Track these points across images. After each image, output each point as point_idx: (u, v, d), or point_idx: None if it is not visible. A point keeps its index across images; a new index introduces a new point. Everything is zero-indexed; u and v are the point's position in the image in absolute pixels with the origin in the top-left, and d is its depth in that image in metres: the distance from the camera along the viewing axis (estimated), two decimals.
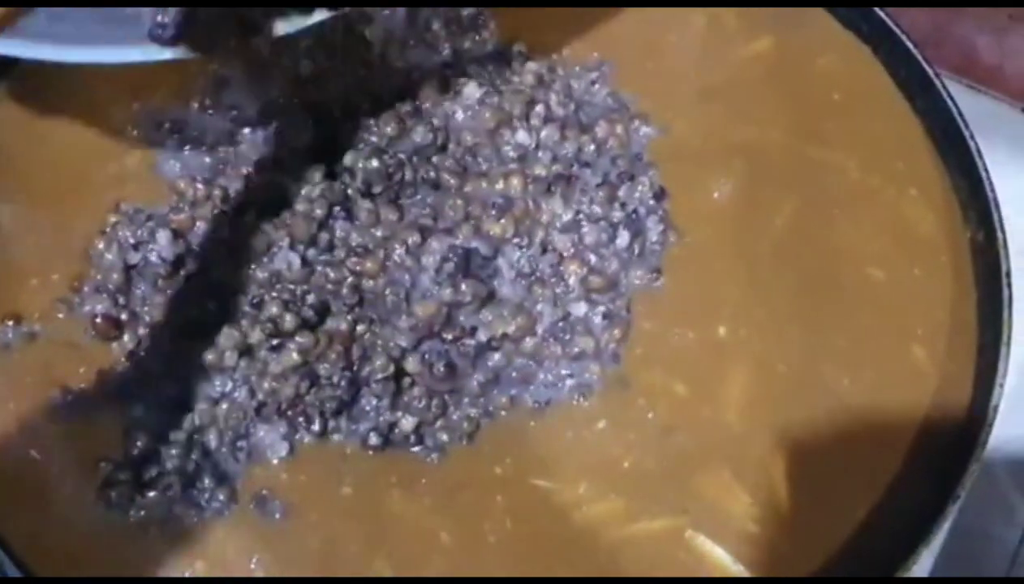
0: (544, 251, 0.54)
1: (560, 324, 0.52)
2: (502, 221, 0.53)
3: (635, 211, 0.55)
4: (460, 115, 0.56)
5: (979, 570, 0.64)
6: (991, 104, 0.75)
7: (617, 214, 0.55)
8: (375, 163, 0.54)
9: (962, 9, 0.78)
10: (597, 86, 0.59)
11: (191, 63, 0.54)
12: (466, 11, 0.60)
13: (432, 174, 0.54)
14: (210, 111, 0.58)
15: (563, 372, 0.52)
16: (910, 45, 0.60)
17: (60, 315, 0.52)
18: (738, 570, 0.49)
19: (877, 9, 0.61)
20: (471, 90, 0.57)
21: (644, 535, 0.49)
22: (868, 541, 0.49)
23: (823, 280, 0.55)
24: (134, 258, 0.52)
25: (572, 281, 0.53)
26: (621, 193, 0.55)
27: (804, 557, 0.49)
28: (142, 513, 0.48)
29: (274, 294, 0.50)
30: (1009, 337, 0.52)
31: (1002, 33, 0.78)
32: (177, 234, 0.53)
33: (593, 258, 0.54)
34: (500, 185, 0.54)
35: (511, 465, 0.51)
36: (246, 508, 0.49)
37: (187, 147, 0.57)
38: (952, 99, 0.58)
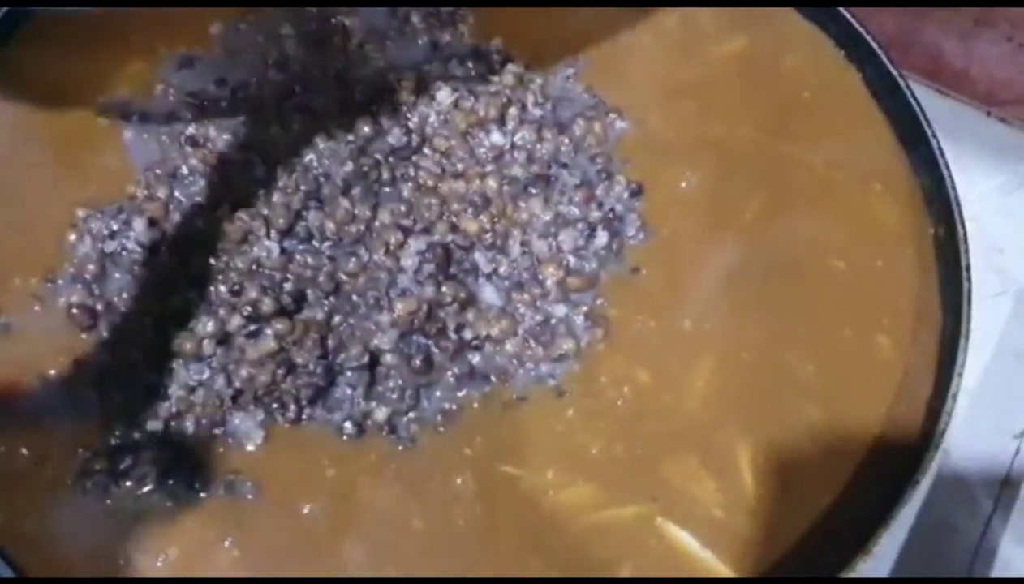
0: (522, 254, 0.54)
1: (540, 327, 0.53)
2: (480, 218, 0.54)
3: (612, 210, 0.56)
4: (433, 118, 0.57)
5: (944, 560, 0.65)
6: (958, 107, 0.76)
7: (595, 214, 0.56)
8: (350, 166, 0.54)
9: (929, 14, 0.79)
10: (571, 82, 0.60)
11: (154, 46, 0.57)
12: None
13: (409, 173, 0.55)
14: (171, 96, 0.58)
15: (544, 371, 0.53)
16: (876, 46, 0.61)
17: (36, 307, 0.53)
18: (706, 556, 0.49)
19: (844, 11, 0.62)
20: (444, 95, 0.57)
21: (614, 521, 0.50)
22: (832, 525, 0.50)
23: (789, 271, 0.56)
24: (110, 246, 0.53)
25: (550, 284, 0.54)
26: (599, 192, 0.56)
27: (771, 542, 0.50)
28: (118, 500, 0.49)
29: (254, 280, 0.51)
30: (968, 330, 0.54)
31: (968, 38, 0.79)
32: (152, 222, 0.53)
33: (571, 260, 0.55)
34: (476, 185, 0.55)
35: (480, 451, 0.51)
36: (219, 493, 0.49)
37: (155, 134, 0.57)
38: (916, 98, 0.60)
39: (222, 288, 0.51)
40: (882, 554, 0.49)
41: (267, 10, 0.61)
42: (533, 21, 0.63)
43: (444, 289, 0.52)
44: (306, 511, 0.49)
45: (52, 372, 0.51)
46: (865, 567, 0.48)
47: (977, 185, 0.72)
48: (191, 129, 0.57)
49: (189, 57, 0.59)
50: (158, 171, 0.55)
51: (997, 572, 0.62)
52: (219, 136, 0.56)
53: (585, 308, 0.54)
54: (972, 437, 0.64)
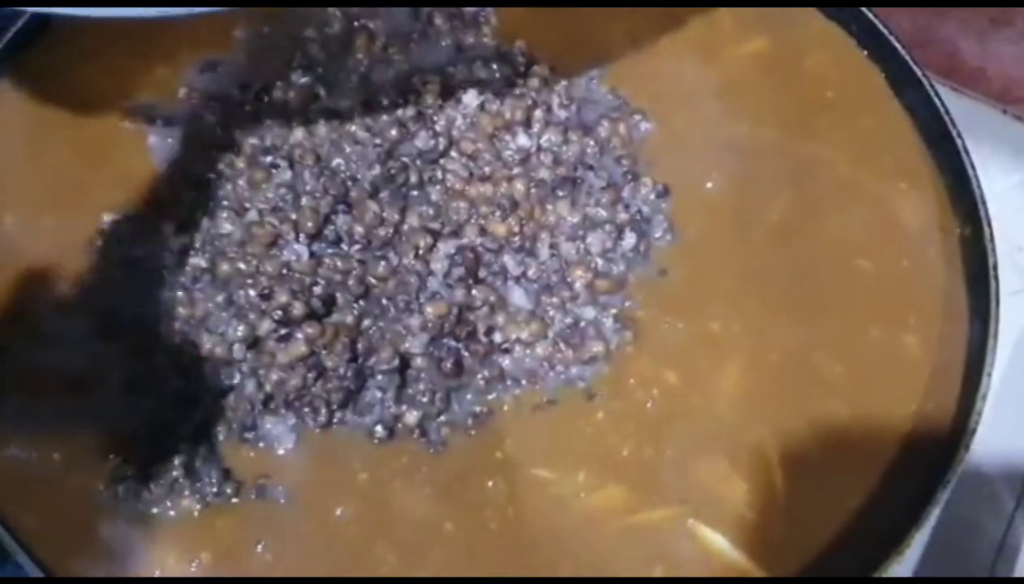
0: (551, 257, 0.55)
1: (569, 329, 0.53)
2: (508, 221, 0.54)
3: (639, 212, 0.56)
4: (460, 121, 0.57)
5: (966, 559, 0.65)
6: (974, 105, 0.76)
7: (622, 216, 0.56)
8: (378, 169, 0.54)
9: (945, 12, 0.80)
10: (595, 83, 0.60)
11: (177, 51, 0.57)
12: (469, 8, 0.61)
13: (437, 176, 0.55)
14: (195, 100, 0.58)
15: (573, 373, 0.53)
16: (898, 46, 0.61)
17: (65, 313, 0.52)
18: (738, 557, 0.50)
19: (867, 11, 0.62)
20: (470, 98, 0.57)
21: (646, 524, 0.50)
22: (863, 525, 0.50)
23: (814, 271, 0.56)
24: (139, 251, 0.53)
25: (579, 286, 0.54)
26: (625, 194, 0.56)
27: (802, 542, 0.50)
28: (149, 506, 0.49)
29: (284, 284, 0.51)
30: (996, 329, 0.54)
31: (984, 36, 0.79)
32: (180, 226, 0.53)
33: (600, 262, 0.55)
34: (504, 187, 0.55)
35: (511, 454, 0.51)
36: (251, 497, 0.49)
37: (179, 139, 0.57)
38: (939, 97, 0.60)
39: (252, 292, 0.51)
40: (906, 553, 0.50)
41: (290, 13, 0.61)
42: (555, 23, 0.63)
43: (474, 293, 0.52)
44: (338, 514, 0.50)
45: (82, 378, 0.51)
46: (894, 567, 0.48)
47: (995, 183, 0.72)
48: (216, 133, 0.56)
49: (213, 61, 0.60)
50: (183, 175, 0.55)
51: (1020, 570, 0.62)
52: (244, 139, 0.56)
53: (614, 311, 0.54)
54: (994, 435, 0.63)
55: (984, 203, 0.57)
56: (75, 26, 0.60)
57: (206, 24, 0.60)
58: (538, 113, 0.58)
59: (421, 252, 0.53)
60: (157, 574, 0.48)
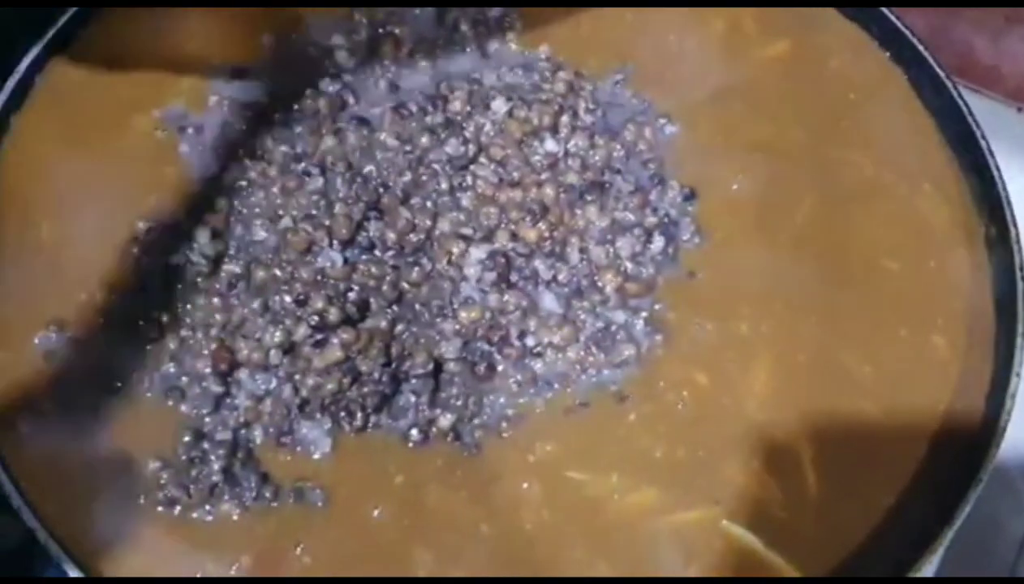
0: (581, 261, 0.55)
1: (601, 333, 0.54)
2: (539, 226, 0.54)
3: (667, 215, 0.57)
4: (489, 128, 0.57)
5: (988, 557, 0.65)
6: (988, 104, 0.76)
7: (650, 219, 0.56)
8: (409, 176, 0.55)
9: (959, 12, 0.80)
10: (620, 87, 0.61)
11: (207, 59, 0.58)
12: (493, 12, 0.62)
13: (467, 182, 0.56)
14: (226, 108, 0.59)
15: (605, 376, 0.53)
16: (921, 47, 0.62)
17: (100, 320, 0.53)
18: (772, 557, 0.50)
19: (888, 12, 0.63)
20: (499, 104, 0.58)
21: (680, 525, 0.51)
22: (895, 524, 0.51)
23: (841, 272, 0.57)
24: (174, 258, 0.53)
25: (609, 290, 0.55)
26: (652, 197, 0.57)
27: (835, 541, 0.50)
28: (189, 510, 0.49)
29: (318, 290, 0.52)
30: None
31: (999, 35, 0.79)
32: (215, 233, 0.54)
33: (629, 266, 0.55)
34: (534, 193, 0.56)
35: (544, 457, 0.52)
36: (289, 501, 0.50)
37: (211, 146, 0.58)
38: (963, 99, 0.60)
39: (287, 298, 0.52)
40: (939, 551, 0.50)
41: (318, 21, 0.61)
42: (579, 27, 0.63)
43: (506, 297, 0.53)
44: (375, 517, 0.50)
45: (120, 384, 0.52)
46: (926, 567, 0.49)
47: (1010, 182, 0.72)
48: (247, 141, 0.57)
49: (242, 69, 0.60)
50: (216, 183, 0.56)
51: None
52: (275, 147, 0.57)
53: (645, 314, 0.54)
54: (1016, 433, 0.64)
55: (1010, 203, 0.57)
56: (107, 34, 0.60)
57: (235, 32, 0.61)
58: (565, 118, 0.58)
59: (454, 258, 0.53)
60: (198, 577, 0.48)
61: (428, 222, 0.54)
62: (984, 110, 0.74)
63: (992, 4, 0.79)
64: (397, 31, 0.61)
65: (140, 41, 0.60)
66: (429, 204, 0.55)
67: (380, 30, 0.62)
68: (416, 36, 0.61)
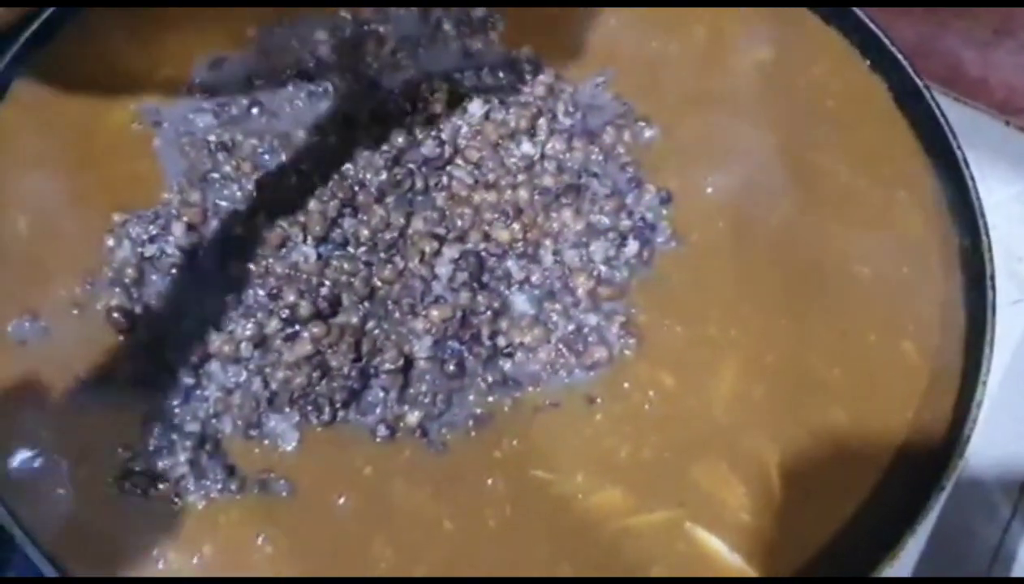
0: (554, 263, 0.55)
1: (572, 335, 0.54)
2: (512, 227, 0.55)
3: (643, 218, 0.57)
4: (466, 129, 0.58)
5: (962, 564, 0.65)
6: (976, 116, 0.77)
7: (625, 223, 0.56)
8: (385, 174, 0.55)
9: (948, 23, 0.80)
10: (601, 89, 0.61)
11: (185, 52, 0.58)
12: (477, 12, 0.62)
13: (443, 182, 0.56)
14: (203, 102, 0.59)
15: (576, 377, 0.54)
16: (900, 56, 0.62)
17: (74, 311, 0.53)
18: (733, 559, 0.50)
19: (869, 21, 0.63)
20: (476, 107, 0.58)
21: (644, 526, 0.51)
22: (858, 528, 0.51)
23: (814, 277, 0.57)
24: (150, 250, 0.53)
25: (581, 293, 0.55)
26: (629, 201, 0.57)
27: (798, 545, 0.50)
28: (155, 500, 0.49)
29: (291, 284, 0.52)
30: (993, 338, 0.54)
31: (987, 47, 0.80)
32: (191, 226, 0.54)
33: (603, 270, 0.55)
34: (508, 195, 0.56)
35: (510, 455, 0.52)
36: (254, 491, 0.50)
37: (186, 141, 0.58)
38: (940, 108, 0.60)
39: (260, 292, 0.52)
40: (902, 558, 0.50)
41: (303, 16, 0.61)
42: (563, 29, 0.63)
43: (478, 297, 0.53)
44: (338, 510, 0.50)
45: (91, 374, 0.52)
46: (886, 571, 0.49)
47: (995, 193, 0.72)
48: (222, 135, 0.57)
49: (221, 63, 0.60)
50: (190, 177, 0.56)
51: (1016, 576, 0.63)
52: (245, 141, 0.57)
53: (620, 318, 0.55)
54: (991, 442, 0.64)
55: (983, 214, 0.57)
56: (84, 29, 0.60)
57: (216, 26, 0.61)
58: (542, 121, 0.59)
59: (426, 256, 0.54)
60: (160, 566, 0.48)
61: (402, 220, 0.55)
62: (972, 122, 0.75)
63: (977, 4, 0.79)
64: (381, 29, 0.62)
65: (119, 36, 0.60)
66: (404, 203, 0.55)
67: (364, 27, 0.62)
68: (399, 34, 0.62)
